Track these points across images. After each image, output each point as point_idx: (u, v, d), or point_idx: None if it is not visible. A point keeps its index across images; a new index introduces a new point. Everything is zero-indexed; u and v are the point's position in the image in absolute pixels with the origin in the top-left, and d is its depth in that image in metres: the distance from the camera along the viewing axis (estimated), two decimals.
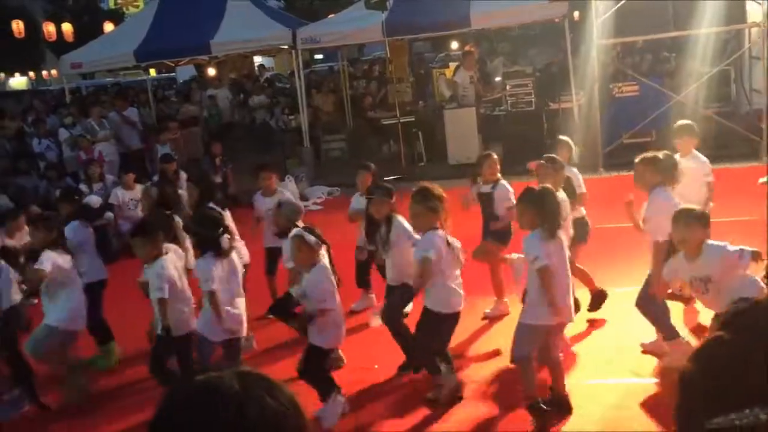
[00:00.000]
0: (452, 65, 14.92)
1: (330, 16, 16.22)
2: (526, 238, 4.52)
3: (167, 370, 5.23)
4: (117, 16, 33.42)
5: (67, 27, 23.29)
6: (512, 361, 4.60)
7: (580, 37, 11.89)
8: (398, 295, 5.33)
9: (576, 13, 13.53)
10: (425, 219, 4.81)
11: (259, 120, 15.65)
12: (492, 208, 6.12)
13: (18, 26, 22.19)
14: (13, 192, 10.82)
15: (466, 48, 13.64)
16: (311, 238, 4.74)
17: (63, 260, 5.52)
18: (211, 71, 17.36)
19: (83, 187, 10.48)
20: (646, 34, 11.76)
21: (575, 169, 6.23)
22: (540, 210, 4.44)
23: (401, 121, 12.71)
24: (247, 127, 15.83)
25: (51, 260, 5.42)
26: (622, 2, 10.76)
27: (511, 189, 6.05)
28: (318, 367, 4.84)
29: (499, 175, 6.18)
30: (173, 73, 24.69)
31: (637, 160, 5.22)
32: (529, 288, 4.56)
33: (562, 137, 6.61)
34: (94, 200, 9.51)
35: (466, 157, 11.80)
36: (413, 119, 13.44)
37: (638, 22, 10.99)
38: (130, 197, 9.61)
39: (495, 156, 6.28)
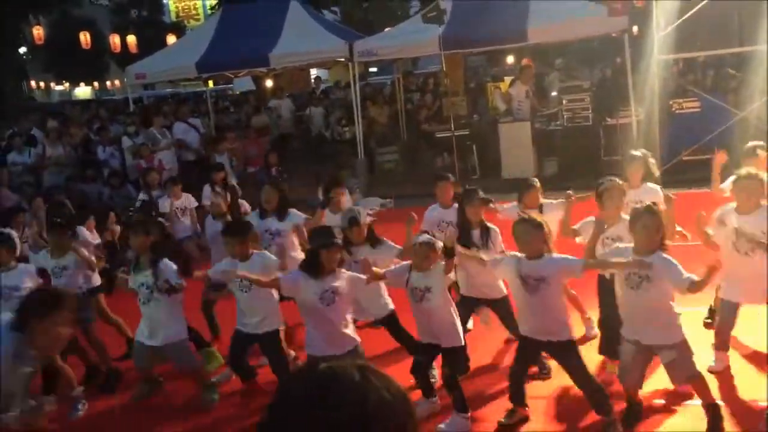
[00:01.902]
0: (507, 79, 14.87)
1: (386, 29, 16.37)
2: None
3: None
4: (179, 29, 34.46)
5: (131, 39, 24.10)
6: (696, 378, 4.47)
7: (639, 51, 11.73)
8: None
9: (635, 28, 13.35)
10: (539, 242, 4.55)
11: (315, 131, 15.85)
12: None
13: (86, 38, 23.06)
14: (77, 198, 11.17)
15: (524, 62, 13.56)
16: (439, 243, 4.82)
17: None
18: (269, 83, 17.66)
19: (142, 194, 10.78)
20: (709, 50, 11.53)
21: (651, 185, 5.77)
22: None
23: (455, 134, 12.71)
24: (303, 137, 16.05)
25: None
26: (685, 17, 10.57)
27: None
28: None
29: (542, 200, 5.91)
30: (230, 84, 25.28)
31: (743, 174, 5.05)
32: None
33: (633, 152, 6.08)
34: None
35: (520, 172, 11.72)
36: (467, 132, 13.44)
37: (701, 38, 10.78)
38: (177, 206, 9.85)
39: (537, 185, 5.94)
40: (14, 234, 6.32)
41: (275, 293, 5.38)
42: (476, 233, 5.40)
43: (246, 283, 5.27)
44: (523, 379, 4.82)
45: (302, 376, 1.29)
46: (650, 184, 5.77)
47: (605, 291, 5.04)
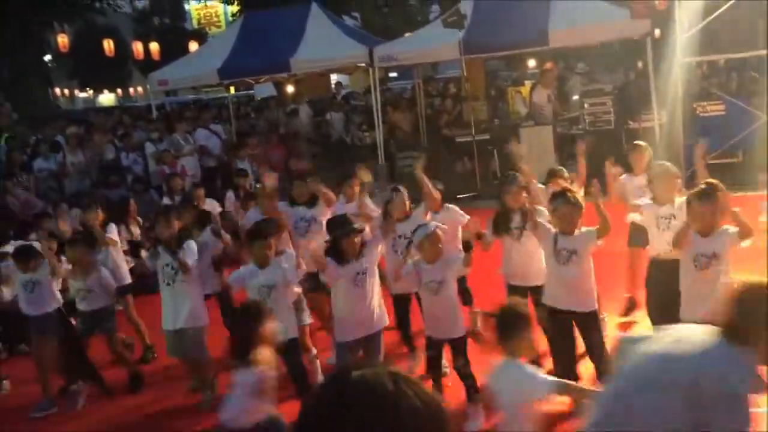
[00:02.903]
0: (527, 83, 14.81)
1: (406, 34, 16.37)
2: None
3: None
4: (200, 36, 34.74)
5: (154, 46, 24.34)
6: None
7: (662, 54, 11.63)
8: None
9: (657, 31, 13.23)
10: (576, 218, 4.82)
11: (335, 136, 15.89)
12: None
13: (109, 45, 23.32)
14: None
15: (546, 66, 13.50)
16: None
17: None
18: (290, 88, 17.74)
19: (166, 199, 10.87)
20: (733, 52, 11.41)
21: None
22: None
23: (476, 138, 12.68)
24: (323, 143, 16.09)
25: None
26: (708, 19, 10.47)
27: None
28: None
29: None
30: (251, 90, 25.41)
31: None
32: None
33: (638, 142, 6.50)
34: None
35: (542, 176, 11.66)
36: (488, 137, 13.40)
37: (725, 40, 10.66)
38: None
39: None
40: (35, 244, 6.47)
41: (290, 301, 5.45)
42: (517, 218, 5.44)
43: (265, 291, 5.29)
44: (572, 352, 4.94)
45: (334, 384, 1.26)
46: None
47: (656, 275, 5.23)
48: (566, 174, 6.04)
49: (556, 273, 4.86)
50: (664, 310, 5.04)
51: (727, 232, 4.48)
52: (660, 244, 5.17)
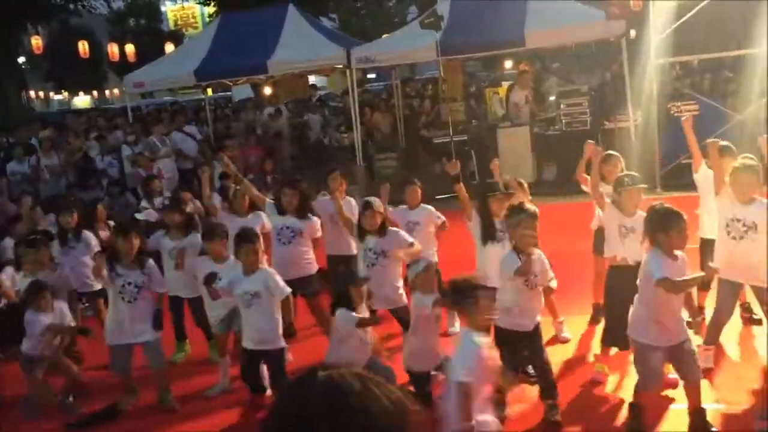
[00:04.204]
0: (504, 84, 14.88)
1: (384, 36, 16.39)
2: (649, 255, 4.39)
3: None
4: (177, 38, 34.54)
5: (129, 48, 24.16)
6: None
7: (636, 55, 11.74)
8: None
9: (633, 32, 13.38)
10: (532, 239, 4.75)
11: (313, 138, 15.86)
12: None
13: (84, 47, 23.12)
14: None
15: (521, 67, 13.59)
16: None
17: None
18: (267, 90, 17.69)
19: (144, 202, 10.76)
20: (706, 53, 11.56)
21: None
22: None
23: (454, 139, 12.71)
24: (300, 144, 16.06)
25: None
26: (682, 20, 10.59)
27: None
28: None
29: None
30: (229, 92, 25.33)
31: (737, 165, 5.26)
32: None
33: (611, 152, 6.46)
34: (153, 215, 9.70)
35: (519, 176, 11.72)
36: (466, 138, 13.44)
37: (699, 41, 10.80)
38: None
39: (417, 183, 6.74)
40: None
41: (279, 311, 5.37)
42: (499, 225, 5.46)
43: (248, 298, 5.27)
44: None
45: (302, 385, 1.25)
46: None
47: (613, 286, 5.24)
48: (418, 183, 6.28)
49: (523, 295, 4.80)
50: (621, 317, 5.00)
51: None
52: (620, 250, 5.15)
